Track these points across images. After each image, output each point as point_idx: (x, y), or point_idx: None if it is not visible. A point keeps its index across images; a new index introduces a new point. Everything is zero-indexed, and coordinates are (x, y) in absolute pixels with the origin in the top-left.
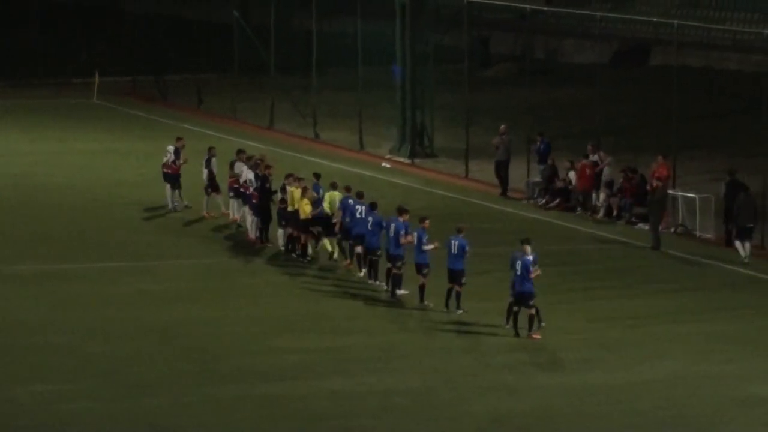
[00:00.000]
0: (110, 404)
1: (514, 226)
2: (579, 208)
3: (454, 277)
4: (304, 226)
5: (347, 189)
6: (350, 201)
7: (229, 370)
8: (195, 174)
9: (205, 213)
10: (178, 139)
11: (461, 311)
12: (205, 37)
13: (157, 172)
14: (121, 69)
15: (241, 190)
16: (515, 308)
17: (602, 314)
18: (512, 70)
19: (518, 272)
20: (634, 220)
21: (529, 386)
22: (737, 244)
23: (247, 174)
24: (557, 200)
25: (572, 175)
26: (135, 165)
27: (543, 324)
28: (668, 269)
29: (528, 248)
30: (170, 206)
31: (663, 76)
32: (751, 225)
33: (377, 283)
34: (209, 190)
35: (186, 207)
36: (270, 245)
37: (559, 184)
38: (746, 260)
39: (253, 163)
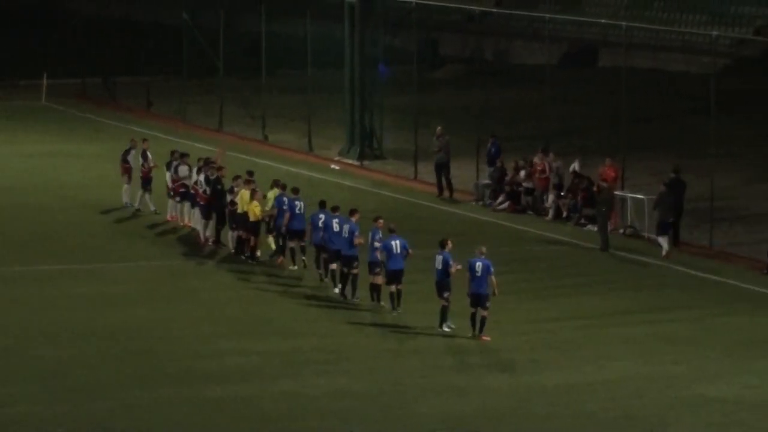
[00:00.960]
0: (53, 407)
1: (462, 228)
2: (530, 210)
3: (397, 277)
4: (254, 228)
5: (294, 190)
6: (294, 201)
7: (177, 372)
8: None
9: (168, 217)
10: (144, 140)
11: (384, 305)
12: (154, 40)
13: (106, 174)
14: (70, 71)
15: (191, 191)
16: (474, 310)
17: (551, 315)
18: (461, 72)
19: (478, 274)
20: (583, 221)
21: (478, 387)
22: (660, 239)
23: (196, 176)
24: (507, 202)
25: (522, 174)
26: (84, 167)
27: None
28: (616, 270)
29: (484, 249)
30: (125, 202)
31: (611, 77)
32: (672, 220)
33: (356, 299)
34: (172, 193)
35: (154, 212)
36: (223, 247)
37: (508, 186)
38: (665, 254)
39: (202, 165)
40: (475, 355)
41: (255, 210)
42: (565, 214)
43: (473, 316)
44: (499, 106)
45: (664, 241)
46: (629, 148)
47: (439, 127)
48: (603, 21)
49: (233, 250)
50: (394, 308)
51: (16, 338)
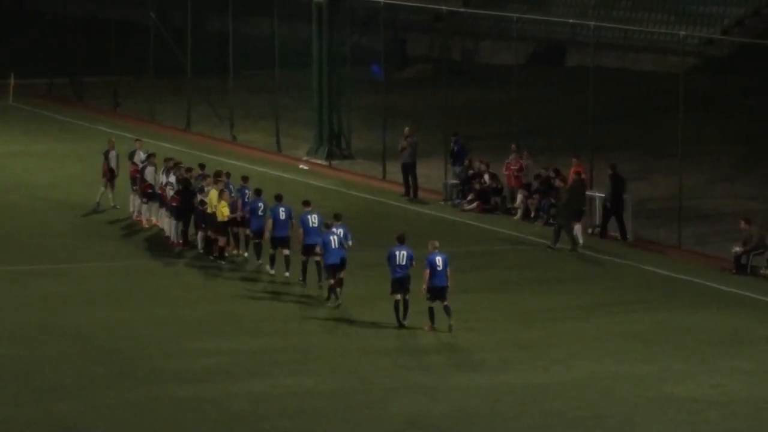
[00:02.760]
0: (20, 408)
1: (431, 228)
2: (498, 210)
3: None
4: (222, 228)
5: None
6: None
7: (144, 373)
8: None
9: (134, 217)
10: (137, 140)
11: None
12: (121, 39)
13: (74, 173)
14: (37, 71)
15: (158, 192)
16: (432, 303)
17: (519, 314)
18: (429, 71)
19: (439, 268)
20: (551, 221)
21: (445, 387)
22: (576, 227)
23: (165, 177)
24: (475, 202)
25: (487, 178)
26: (52, 167)
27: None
28: (584, 269)
29: (437, 243)
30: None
31: (579, 77)
32: (583, 208)
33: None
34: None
35: (113, 208)
36: (190, 248)
37: (477, 185)
38: (579, 241)
39: (172, 166)
40: (443, 354)
41: (223, 210)
42: (533, 213)
43: (432, 311)
44: (466, 106)
45: (578, 230)
46: (597, 148)
47: (407, 128)
48: (570, 21)
49: (201, 250)
50: (403, 321)
51: None
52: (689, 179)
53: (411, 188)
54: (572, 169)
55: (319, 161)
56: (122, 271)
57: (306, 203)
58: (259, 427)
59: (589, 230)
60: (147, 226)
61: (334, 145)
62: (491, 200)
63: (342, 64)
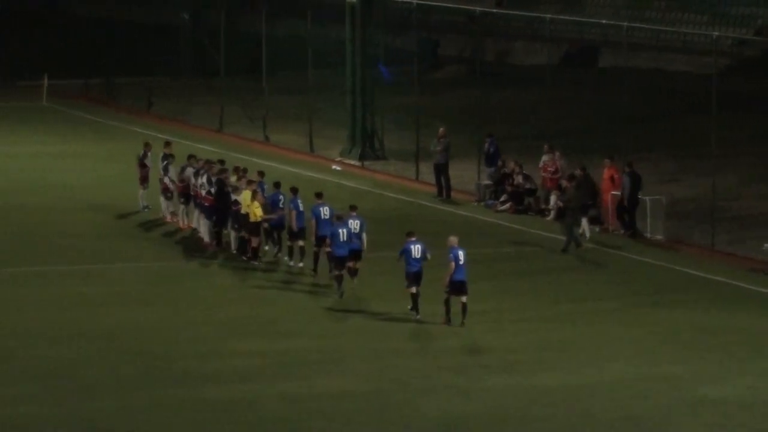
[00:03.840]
0: (52, 408)
1: (463, 228)
2: (531, 211)
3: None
4: (255, 228)
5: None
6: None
7: (176, 374)
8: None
9: (169, 218)
10: (167, 144)
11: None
12: (155, 40)
13: (107, 174)
14: (71, 71)
15: (191, 194)
16: (451, 298)
17: (551, 315)
18: (462, 72)
19: (461, 262)
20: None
21: (480, 388)
22: (584, 222)
23: (199, 178)
24: (509, 203)
25: (521, 179)
26: (85, 168)
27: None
28: (618, 270)
29: (456, 239)
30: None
31: (612, 77)
32: (590, 203)
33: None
34: (169, 194)
35: (145, 209)
36: (225, 249)
37: (510, 186)
38: (586, 235)
39: (202, 166)
40: (476, 355)
41: (255, 211)
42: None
43: (448, 303)
44: (499, 107)
45: (585, 224)
46: (630, 149)
47: (441, 128)
48: (604, 21)
49: (235, 251)
50: (415, 311)
51: (17, 339)
52: (722, 180)
53: (444, 189)
54: (605, 171)
55: (352, 162)
56: (155, 272)
57: (318, 195)
58: (292, 429)
59: (621, 231)
60: (183, 227)
61: (367, 146)
62: (524, 201)
63: (375, 65)
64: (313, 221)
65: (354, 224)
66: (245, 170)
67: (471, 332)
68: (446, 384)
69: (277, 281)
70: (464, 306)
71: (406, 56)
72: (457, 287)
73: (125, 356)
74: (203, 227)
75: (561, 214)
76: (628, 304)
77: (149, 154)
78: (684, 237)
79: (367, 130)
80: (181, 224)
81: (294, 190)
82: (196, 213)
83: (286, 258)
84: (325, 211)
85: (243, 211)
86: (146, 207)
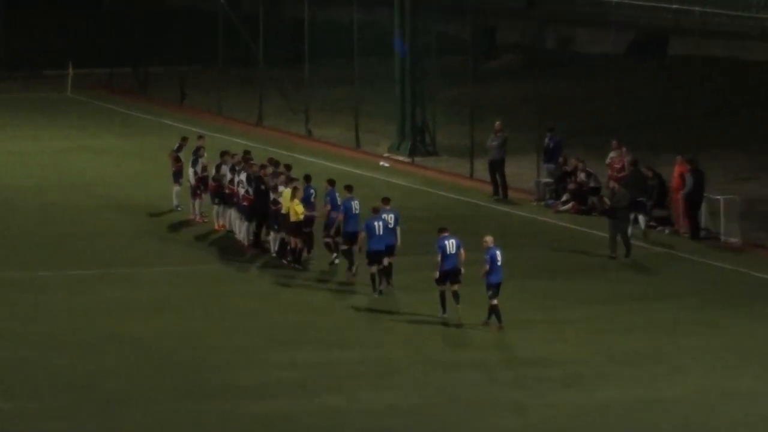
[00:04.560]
0: (81, 422)
1: (521, 230)
2: (595, 211)
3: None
4: (296, 229)
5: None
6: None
7: (212, 386)
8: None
9: (198, 218)
10: (200, 137)
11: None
12: (188, 27)
13: (137, 170)
14: (98, 60)
15: (226, 191)
16: (494, 301)
17: (616, 325)
18: (520, 62)
19: (499, 263)
20: (652, 223)
21: (539, 403)
22: (640, 217)
23: (231, 175)
24: (571, 202)
25: (583, 176)
26: (113, 164)
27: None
28: (689, 276)
29: (492, 239)
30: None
31: (683, 67)
32: (641, 199)
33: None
34: (198, 192)
35: (177, 208)
36: (264, 251)
37: (572, 184)
38: (641, 233)
39: (240, 162)
40: (535, 367)
41: (297, 209)
42: (633, 215)
43: (496, 307)
44: (561, 99)
45: (641, 220)
46: (702, 145)
47: (498, 122)
48: (674, 6)
49: (275, 254)
50: (444, 311)
51: (42, 348)
52: None
53: (500, 187)
54: (676, 168)
55: (401, 158)
56: (189, 276)
57: (348, 188)
58: None
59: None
60: (218, 228)
61: (417, 141)
62: (588, 200)
63: (426, 54)
64: (342, 216)
65: (388, 218)
66: (289, 167)
67: (528, 342)
68: (502, 399)
69: (320, 287)
70: (496, 308)
71: (460, 45)
72: (495, 289)
73: (156, 367)
74: (240, 228)
75: (611, 215)
76: (699, 313)
77: (184, 148)
78: (762, 240)
79: (418, 123)
80: (216, 225)
81: (331, 182)
82: (230, 213)
83: (333, 256)
84: (355, 206)
85: (283, 211)
86: (178, 206)
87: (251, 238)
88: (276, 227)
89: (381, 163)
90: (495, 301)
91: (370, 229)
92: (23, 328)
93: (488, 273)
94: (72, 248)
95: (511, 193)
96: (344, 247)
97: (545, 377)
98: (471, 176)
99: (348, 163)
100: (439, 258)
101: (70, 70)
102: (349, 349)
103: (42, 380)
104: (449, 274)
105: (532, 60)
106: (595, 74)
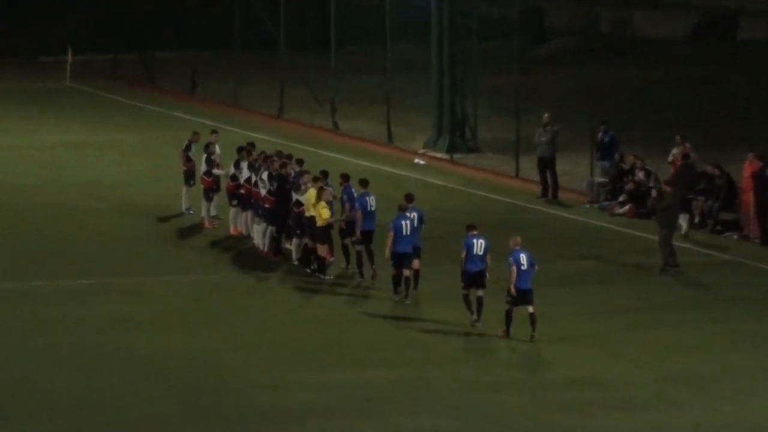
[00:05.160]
0: None
1: (573, 235)
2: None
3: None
4: (321, 234)
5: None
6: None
7: (228, 410)
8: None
9: (207, 223)
10: (213, 132)
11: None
12: (201, 7)
13: (143, 169)
14: (100, 45)
15: (242, 192)
16: (510, 307)
17: (674, 341)
18: (572, 47)
19: (523, 267)
20: (719, 228)
21: (592, 428)
22: (680, 217)
23: (248, 173)
24: (628, 204)
25: (642, 175)
26: (117, 161)
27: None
28: (757, 287)
29: (519, 239)
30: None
31: (755, 53)
32: (690, 197)
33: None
34: (210, 193)
35: (187, 211)
36: (284, 259)
37: (629, 184)
38: (683, 233)
39: (262, 160)
40: (587, 389)
41: (322, 212)
42: (697, 218)
43: (510, 315)
44: (617, 88)
45: (683, 220)
46: None
47: (546, 115)
48: None
49: (297, 262)
50: (477, 321)
51: (38, 367)
52: None
53: (550, 187)
54: (746, 166)
55: (438, 155)
56: (201, 287)
57: (363, 183)
58: None
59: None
60: (234, 233)
61: (457, 136)
62: (647, 202)
63: (467, 38)
64: (359, 213)
65: (412, 217)
66: (301, 161)
67: (578, 361)
68: (550, 424)
69: (346, 300)
70: (532, 317)
71: (506, 28)
72: (522, 297)
73: (164, 389)
74: (260, 233)
75: (657, 218)
76: (766, 329)
77: (194, 145)
78: None
79: (457, 116)
80: (232, 229)
81: (345, 177)
82: (246, 216)
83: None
84: (371, 202)
85: (307, 214)
86: (189, 209)
87: (272, 243)
88: (299, 232)
89: (416, 160)
90: (532, 309)
91: (397, 229)
92: (18, 345)
93: (514, 278)
94: (71, 255)
95: (561, 194)
96: (359, 248)
97: (597, 400)
98: (516, 175)
99: (379, 160)
100: (463, 255)
101: (69, 57)
102: (380, 368)
103: (39, 402)
104: (474, 278)
105: (584, 45)
106: (654, 60)
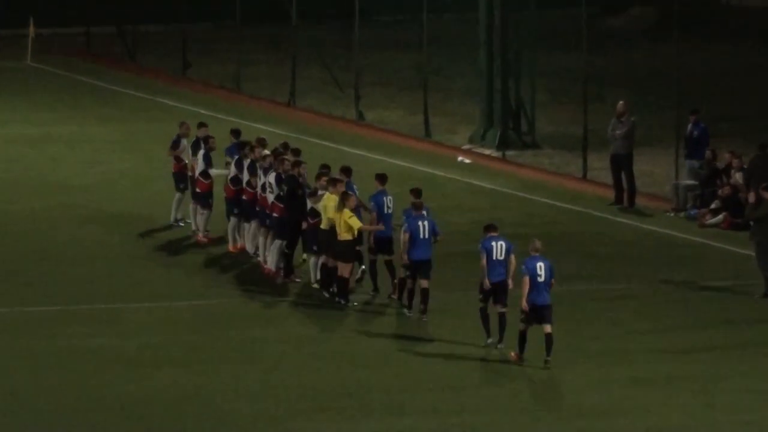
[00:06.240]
0: None
1: (653, 251)
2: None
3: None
4: (345, 251)
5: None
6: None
7: None
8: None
9: (200, 236)
10: (201, 125)
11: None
12: None
13: (124, 169)
14: (70, 16)
15: (244, 198)
16: (524, 326)
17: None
18: (652, 20)
19: (540, 279)
20: None
21: None
22: None
23: (261, 176)
24: (722, 213)
25: (739, 177)
26: (91, 159)
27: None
28: None
29: (539, 244)
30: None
31: None
32: None
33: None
34: (209, 200)
35: (177, 223)
36: (297, 280)
37: (725, 189)
38: None
39: (271, 159)
40: None
41: (351, 223)
42: None
43: (524, 336)
44: (709, 70)
45: None
46: None
47: (621, 102)
48: None
49: (315, 284)
50: (499, 343)
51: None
52: None
53: (625, 192)
54: None
55: (487, 151)
56: (194, 316)
57: (380, 178)
58: None
59: None
60: (234, 249)
61: (510, 128)
62: (744, 210)
63: (522, 8)
64: (374, 214)
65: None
66: (297, 152)
67: (670, 411)
68: None
69: (376, 330)
70: (548, 338)
71: None
72: (537, 314)
73: None
74: (266, 249)
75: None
76: None
77: (184, 140)
78: None
79: (511, 103)
80: (230, 246)
81: (381, 179)
82: (250, 227)
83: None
84: (388, 202)
85: (324, 226)
86: (179, 220)
87: (281, 261)
88: (315, 249)
89: (459, 158)
90: (548, 329)
91: (413, 231)
92: None
93: (528, 291)
94: (32, 276)
95: (639, 200)
96: (372, 257)
97: None
98: (584, 176)
99: (413, 158)
100: (484, 261)
101: (31, 30)
102: (415, 415)
103: None
104: (494, 290)
105: (668, 16)
106: (756, 36)
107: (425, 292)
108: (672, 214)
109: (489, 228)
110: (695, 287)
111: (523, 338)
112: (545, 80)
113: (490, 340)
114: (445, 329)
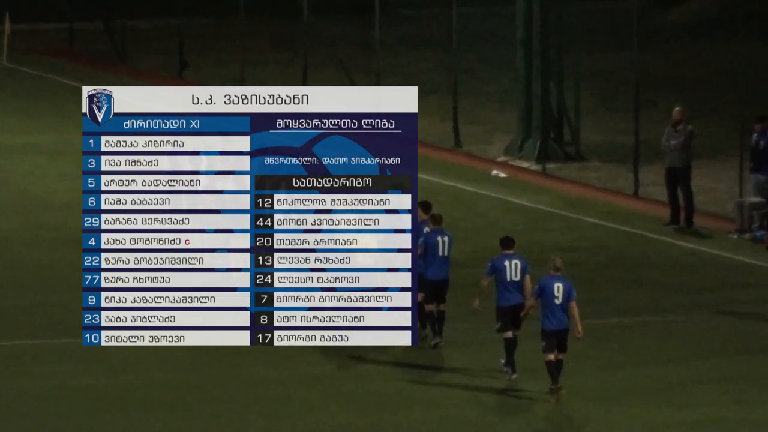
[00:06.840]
0: None
1: (712, 278)
2: None
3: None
4: None
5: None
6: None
7: None
8: None
9: None
10: None
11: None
12: None
13: None
14: (51, 11)
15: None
16: (550, 356)
17: None
18: (713, 13)
19: (557, 301)
20: None
21: None
22: None
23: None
24: None
25: None
26: (71, 173)
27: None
28: None
29: (559, 262)
30: None
31: None
32: None
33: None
34: None
35: None
36: None
37: None
38: None
39: None
40: None
41: None
42: None
43: (551, 365)
44: None
45: None
46: None
47: (678, 108)
48: None
49: None
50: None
51: None
52: None
53: (682, 210)
54: None
55: (525, 164)
56: (191, 350)
57: (424, 207)
58: None
59: None
60: None
61: (551, 138)
62: None
63: (565, 0)
64: (421, 250)
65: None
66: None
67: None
68: None
69: (399, 370)
70: (558, 365)
71: None
72: (552, 339)
73: None
74: None
75: None
76: None
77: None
78: None
79: (552, 110)
80: None
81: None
82: None
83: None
84: (443, 242)
85: None
86: None
87: None
88: None
89: (494, 172)
90: (551, 356)
91: (431, 248)
92: None
93: (542, 314)
94: (4, 306)
95: (698, 220)
96: (430, 307)
97: None
98: (635, 193)
99: (441, 171)
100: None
101: (7, 26)
102: None
103: None
104: (511, 314)
105: (733, 8)
106: None
107: (441, 315)
108: (735, 236)
109: (506, 243)
110: (762, 318)
111: (551, 368)
112: (591, 83)
113: (514, 376)
114: (473, 362)
